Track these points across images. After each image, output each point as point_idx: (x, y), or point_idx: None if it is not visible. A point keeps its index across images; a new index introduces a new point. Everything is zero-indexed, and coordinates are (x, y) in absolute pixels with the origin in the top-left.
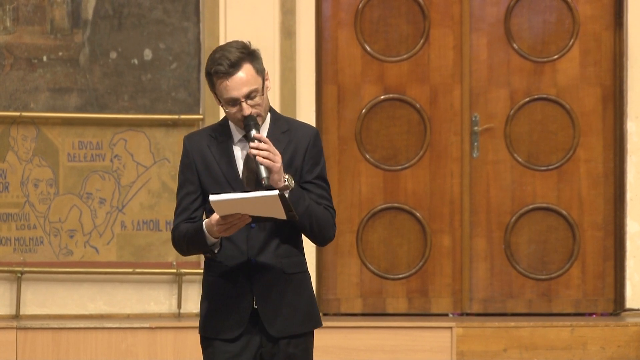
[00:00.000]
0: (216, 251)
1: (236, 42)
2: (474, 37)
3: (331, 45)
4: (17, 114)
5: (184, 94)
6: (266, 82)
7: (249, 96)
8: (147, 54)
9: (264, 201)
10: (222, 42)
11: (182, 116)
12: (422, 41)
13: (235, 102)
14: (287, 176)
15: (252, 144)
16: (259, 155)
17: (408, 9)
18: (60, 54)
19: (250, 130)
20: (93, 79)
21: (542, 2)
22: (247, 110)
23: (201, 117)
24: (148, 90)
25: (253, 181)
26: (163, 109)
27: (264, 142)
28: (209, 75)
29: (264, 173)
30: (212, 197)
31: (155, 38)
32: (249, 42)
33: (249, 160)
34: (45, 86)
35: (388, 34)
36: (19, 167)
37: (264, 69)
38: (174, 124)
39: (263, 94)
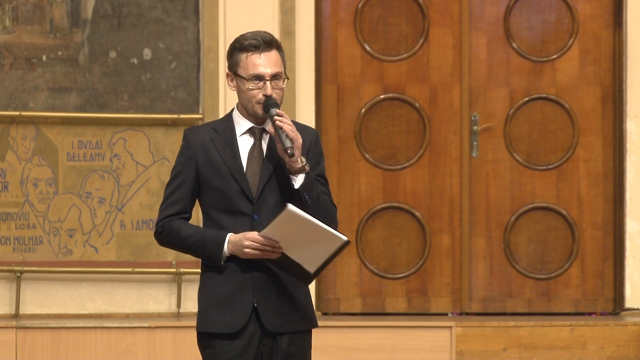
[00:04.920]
0: (222, 263)
1: (265, 31)
2: (474, 37)
3: (331, 44)
4: (17, 113)
5: (183, 93)
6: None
7: (274, 77)
8: (147, 53)
9: (325, 238)
10: (221, 42)
11: (182, 116)
12: (421, 41)
13: (260, 78)
14: (303, 158)
15: (276, 117)
16: (284, 127)
17: (407, 9)
18: (59, 53)
19: (270, 108)
20: (92, 78)
21: (542, 2)
22: (270, 90)
23: (200, 116)
24: (147, 90)
25: (258, 174)
26: (162, 108)
27: (286, 118)
28: (235, 50)
29: (287, 143)
30: (291, 207)
31: (154, 37)
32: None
33: (255, 149)
34: (44, 86)
35: (387, 34)
36: (19, 167)
37: (285, 63)
38: (174, 124)
39: (284, 83)
